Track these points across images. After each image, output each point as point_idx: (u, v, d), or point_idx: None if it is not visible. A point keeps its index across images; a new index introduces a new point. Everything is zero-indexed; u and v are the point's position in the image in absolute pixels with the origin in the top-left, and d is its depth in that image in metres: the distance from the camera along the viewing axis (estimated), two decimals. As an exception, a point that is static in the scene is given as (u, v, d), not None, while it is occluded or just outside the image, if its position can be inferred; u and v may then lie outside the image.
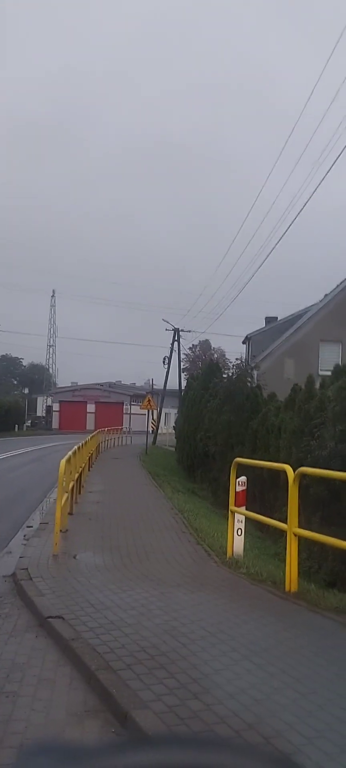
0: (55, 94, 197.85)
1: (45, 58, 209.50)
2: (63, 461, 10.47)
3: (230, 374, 24.57)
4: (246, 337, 40.09)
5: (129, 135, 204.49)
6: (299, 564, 8.09)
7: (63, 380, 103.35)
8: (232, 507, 9.55)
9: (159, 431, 53.98)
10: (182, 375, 54.99)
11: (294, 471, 8.12)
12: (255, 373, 25.11)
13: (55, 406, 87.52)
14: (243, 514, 9.62)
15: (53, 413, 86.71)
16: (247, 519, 9.98)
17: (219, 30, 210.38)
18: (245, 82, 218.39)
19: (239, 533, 9.53)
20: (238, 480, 9.67)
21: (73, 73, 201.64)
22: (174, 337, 51.58)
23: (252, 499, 13.75)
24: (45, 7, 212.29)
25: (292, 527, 7.84)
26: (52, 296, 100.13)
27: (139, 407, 50.65)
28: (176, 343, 51.82)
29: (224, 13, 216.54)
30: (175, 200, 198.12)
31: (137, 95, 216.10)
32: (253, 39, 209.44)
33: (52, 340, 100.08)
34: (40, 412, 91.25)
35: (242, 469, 10.22)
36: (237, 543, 9.50)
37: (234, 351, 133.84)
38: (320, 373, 24.97)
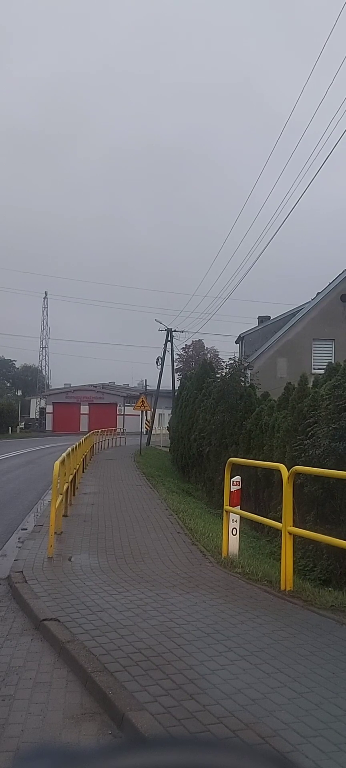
0: (46, 97, 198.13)
1: (36, 63, 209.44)
2: (57, 463, 10.45)
3: (224, 374, 24.56)
4: (239, 336, 40.14)
5: (121, 137, 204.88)
6: (294, 563, 8.11)
7: (56, 382, 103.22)
8: (226, 507, 9.55)
9: (153, 432, 53.95)
10: (176, 375, 55.03)
11: (288, 470, 8.13)
12: (248, 372, 25.14)
13: (49, 408, 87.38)
14: (238, 514, 9.62)
15: (47, 415, 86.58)
16: (242, 518, 9.99)
17: (211, 32, 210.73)
18: (237, 84, 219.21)
19: (234, 533, 9.54)
20: (232, 480, 9.68)
21: (64, 77, 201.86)
22: (167, 337, 51.56)
23: (247, 499, 13.78)
24: (38, 12, 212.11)
25: (287, 526, 7.85)
26: (45, 298, 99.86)
27: (132, 408, 50.63)
28: (169, 344, 51.80)
29: (216, 16, 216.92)
30: (167, 202, 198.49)
31: (129, 98, 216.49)
32: (246, 41, 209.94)
33: (44, 341, 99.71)
34: (34, 414, 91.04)
35: (236, 469, 10.24)
36: (232, 543, 9.51)
37: (227, 351, 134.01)
38: (313, 371, 25.06)
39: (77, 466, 17.35)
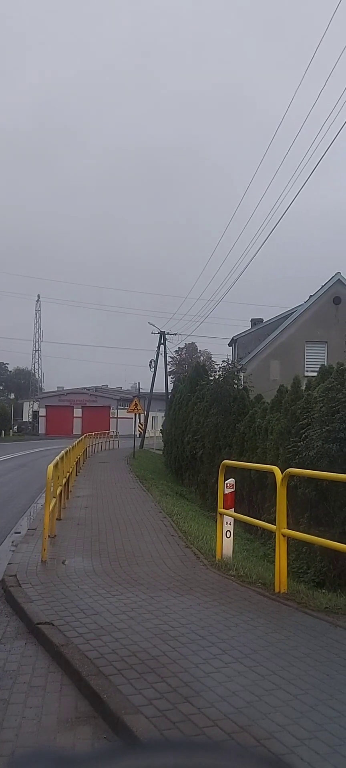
0: (41, 101, 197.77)
1: (32, 67, 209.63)
2: (50, 466, 10.42)
3: (217, 377, 24.58)
4: (232, 339, 40.17)
5: (115, 142, 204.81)
6: (288, 565, 8.12)
7: (49, 385, 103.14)
8: (220, 509, 9.55)
9: (146, 434, 53.94)
10: (169, 378, 55.02)
11: (282, 472, 8.14)
12: (242, 374, 25.17)
13: (42, 411, 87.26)
14: (232, 516, 9.63)
15: (40, 418, 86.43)
16: (235, 521, 9.99)
17: (205, 39, 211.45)
18: (231, 91, 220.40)
19: (228, 535, 9.54)
20: (226, 482, 9.68)
21: (59, 82, 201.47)
22: (160, 340, 51.52)
23: (240, 501, 13.79)
24: (34, 16, 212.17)
25: (280, 528, 7.86)
26: (38, 300, 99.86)
27: (126, 411, 50.60)
28: (162, 346, 51.78)
29: (209, 24, 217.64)
30: (161, 205, 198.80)
31: (124, 103, 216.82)
32: (239, 48, 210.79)
33: (37, 344, 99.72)
34: (27, 417, 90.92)
35: (229, 471, 10.24)
36: (226, 545, 9.51)
37: (220, 353, 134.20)
38: (306, 374, 25.11)
39: (70, 470, 17.33)
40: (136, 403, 38.01)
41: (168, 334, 52.42)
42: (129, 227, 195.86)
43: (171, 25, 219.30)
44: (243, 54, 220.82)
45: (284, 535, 7.87)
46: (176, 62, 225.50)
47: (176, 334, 64.47)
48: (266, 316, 39.52)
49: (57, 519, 12.20)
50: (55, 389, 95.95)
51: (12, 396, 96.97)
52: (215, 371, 26.26)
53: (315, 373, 18.00)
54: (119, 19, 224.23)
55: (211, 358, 68.48)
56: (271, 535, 10.50)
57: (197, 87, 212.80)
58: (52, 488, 10.56)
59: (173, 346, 61.90)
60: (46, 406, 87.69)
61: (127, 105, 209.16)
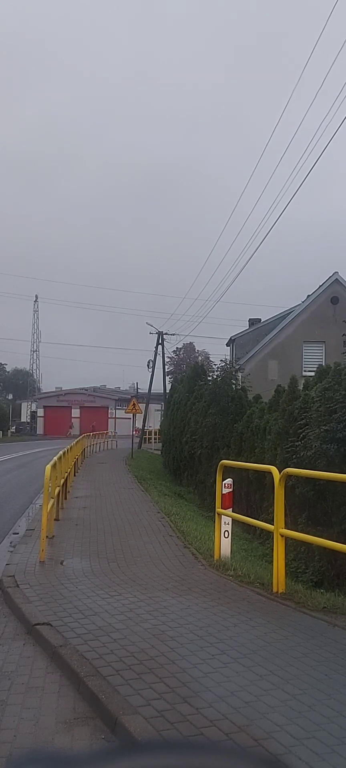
0: (40, 114, 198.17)
1: (31, 83, 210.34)
2: (48, 467, 10.41)
3: (215, 377, 24.59)
4: (230, 339, 40.18)
5: (115, 149, 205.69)
6: (286, 565, 8.12)
7: (47, 385, 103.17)
8: (218, 509, 9.55)
9: (144, 435, 53.89)
10: (167, 378, 54.97)
11: (279, 472, 8.14)
12: (239, 375, 25.18)
13: (40, 412, 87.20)
14: (230, 516, 9.62)
15: (38, 419, 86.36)
16: (234, 521, 9.99)
17: (200, 60, 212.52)
18: (222, 103, 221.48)
19: (226, 535, 9.54)
20: (224, 482, 9.68)
21: (59, 98, 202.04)
22: (158, 340, 51.47)
23: (238, 501, 13.79)
24: (29, 34, 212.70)
25: (278, 528, 7.86)
26: (35, 301, 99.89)
27: (124, 411, 50.57)
28: (160, 347, 51.74)
29: (204, 38, 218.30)
30: (158, 210, 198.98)
31: (121, 116, 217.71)
32: (236, 69, 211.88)
33: (35, 345, 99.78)
34: (25, 417, 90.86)
35: (227, 471, 10.24)
36: (224, 545, 9.51)
37: (218, 353, 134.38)
38: (304, 373, 25.14)
39: (69, 470, 17.32)
40: (134, 404, 37.99)
41: (166, 334, 52.40)
42: (127, 229, 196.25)
43: (168, 48, 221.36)
44: (239, 73, 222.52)
45: (282, 535, 7.87)
46: (172, 79, 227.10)
47: (174, 335, 64.51)
48: (264, 316, 39.65)
49: (55, 519, 12.19)
50: (54, 390, 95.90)
51: (10, 396, 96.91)
52: (213, 371, 26.28)
53: (313, 373, 18.01)
54: (118, 35, 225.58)
55: (209, 358, 68.58)
56: (269, 535, 10.50)
57: (194, 104, 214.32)
58: (50, 489, 10.55)
59: (170, 346, 62.26)
60: (45, 407, 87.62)
61: (126, 117, 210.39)
